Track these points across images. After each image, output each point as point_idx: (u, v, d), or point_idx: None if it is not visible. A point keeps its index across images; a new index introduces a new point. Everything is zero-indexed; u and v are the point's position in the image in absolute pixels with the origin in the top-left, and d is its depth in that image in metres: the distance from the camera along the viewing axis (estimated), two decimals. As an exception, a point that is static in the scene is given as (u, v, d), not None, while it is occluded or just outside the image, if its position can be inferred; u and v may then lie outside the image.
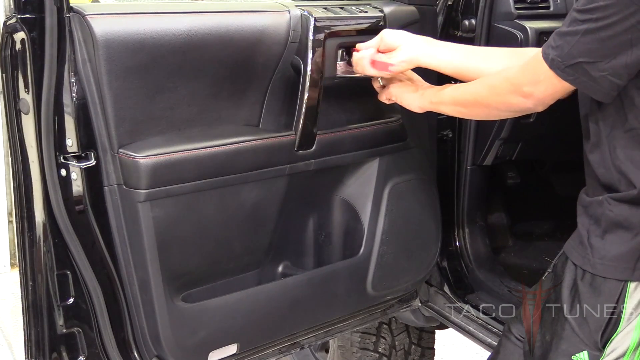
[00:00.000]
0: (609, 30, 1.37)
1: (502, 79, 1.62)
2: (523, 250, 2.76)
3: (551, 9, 2.45)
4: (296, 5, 1.95)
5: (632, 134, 1.45)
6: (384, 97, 1.96)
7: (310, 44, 1.90)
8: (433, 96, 1.84)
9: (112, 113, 1.68)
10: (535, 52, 1.53)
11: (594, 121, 1.52)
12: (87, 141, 1.68)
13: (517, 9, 2.37)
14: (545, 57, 1.47)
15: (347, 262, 2.16)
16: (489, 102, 1.66)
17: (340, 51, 1.97)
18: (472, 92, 1.70)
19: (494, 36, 2.35)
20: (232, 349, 1.94)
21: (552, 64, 1.45)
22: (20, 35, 1.58)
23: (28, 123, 1.62)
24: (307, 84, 1.91)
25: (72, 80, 1.64)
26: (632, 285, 1.46)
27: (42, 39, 1.58)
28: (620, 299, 1.47)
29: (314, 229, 2.20)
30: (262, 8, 1.94)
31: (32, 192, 1.67)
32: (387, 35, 1.85)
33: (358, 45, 1.92)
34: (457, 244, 2.50)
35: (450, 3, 2.32)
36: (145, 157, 1.70)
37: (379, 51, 1.87)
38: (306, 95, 1.91)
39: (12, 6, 1.57)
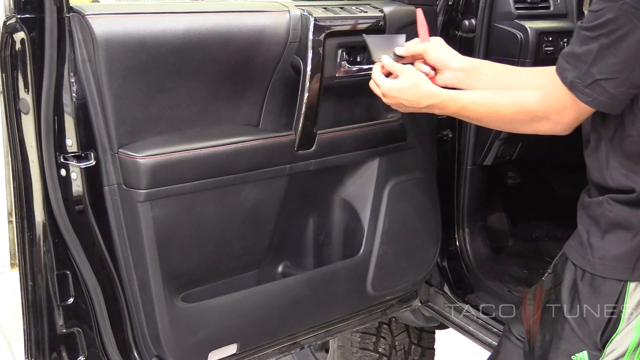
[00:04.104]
0: (622, 42, 1.36)
1: (535, 104, 1.54)
2: (523, 250, 2.76)
3: (551, 9, 2.45)
4: (296, 5, 1.95)
5: (628, 140, 1.45)
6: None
7: (310, 44, 1.90)
8: (451, 107, 1.74)
9: (112, 113, 1.68)
10: (552, 76, 1.48)
11: (593, 128, 1.51)
12: (87, 141, 1.68)
13: (517, 9, 2.37)
14: (564, 80, 1.44)
15: (347, 262, 2.16)
16: (515, 126, 1.62)
17: (340, 51, 1.97)
18: (500, 110, 1.62)
19: (494, 36, 2.35)
20: (232, 348, 1.94)
21: (572, 86, 1.43)
22: (20, 35, 1.58)
23: (28, 123, 1.63)
24: (307, 84, 1.91)
25: (72, 80, 1.64)
26: (631, 285, 1.46)
27: (42, 39, 1.58)
28: (620, 299, 1.47)
29: (314, 229, 2.20)
30: (262, 8, 1.94)
31: (32, 192, 1.67)
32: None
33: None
34: (457, 244, 2.49)
35: (450, 3, 2.32)
36: (145, 157, 1.70)
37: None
38: (306, 95, 1.91)
39: (12, 6, 1.57)
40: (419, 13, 1.92)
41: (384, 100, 1.84)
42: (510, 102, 1.59)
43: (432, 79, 1.84)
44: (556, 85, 1.46)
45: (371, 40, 1.91)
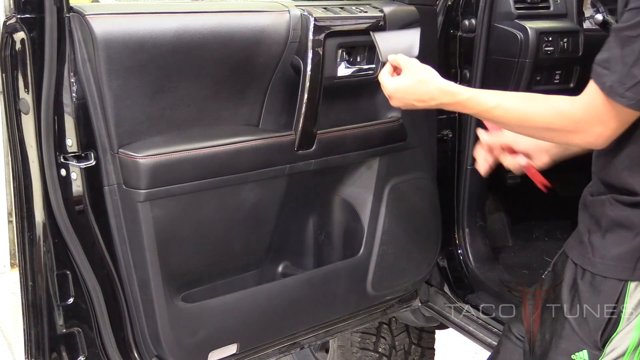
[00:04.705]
0: None
1: (578, 113, 1.44)
2: (523, 250, 2.76)
3: (551, 9, 2.46)
4: (296, 5, 1.95)
5: (639, 141, 1.43)
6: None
7: (310, 44, 1.90)
8: (472, 108, 1.61)
9: (112, 113, 1.68)
10: (589, 89, 1.41)
11: None
12: (87, 141, 1.68)
13: (517, 9, 2.37)
14: (602, 86, 1.37)
15: (347, 262, 2.16)
16: (546, 135, 1.53)
17: (340, 51, 1.97)
18: (534, 118, 1.50)
19: (494, 36, 2.35)
20: (232, 348, 1.94)
21: (611, 91, 1.36)
22: (20, 35, 1.58)
23: (28, 123, 1.62)
24: (307, 84, 1.91)
25: (72, 80, 1.64)
26: (632, 285, 1.46)
27: (42, 39, 1.58)
28: (620, 299, 1.46)
29: (314, 229, 2.20)
30: (262, 8, 1.94)
31: (32, 192, 1.67)
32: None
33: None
34: (457, 243, 2.49)
35: (450, 3, 2.32)
36: (145, 157, 1.70)
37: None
38: (306, 95, 1.91)
39: (12, 6, 1.57)
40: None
41: (392, 102, 1.73)
42: (547, 110, 1.48)
43: (531, 166, 1.76)
44: (596, 95, 1.39)
45: (380, 37, 1.80)
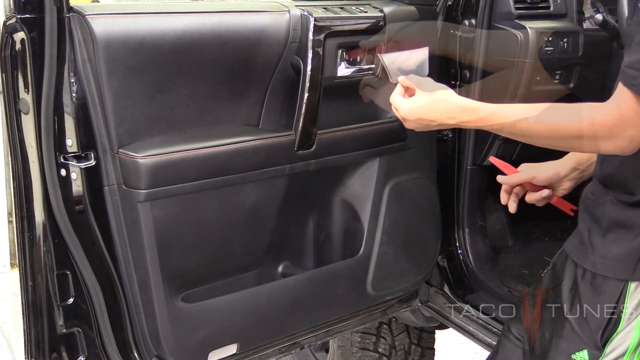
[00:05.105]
0: None
1: (612, 117, 1.38)
2: (523, 250, 2.75)
3: (551, 9, 2.45)
4: (296, 5, 1.95)
5: None
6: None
7: (310, 44, 1.90)
8: (493, 123, 1.57)
9: (111, 113, 1.68)
10: (619, 93, 1.36)
11: None
12: (87, 141, 1.68)
13: (517, 9, 2.36)
14: (636, 89, 1.31)
15: (347, 262, 2.16)
16: (576, 144, 1.47)
17: (340, 51, 1.97)
18: (564, 127, 1.45)
19: (494, 36, 2.35)
20: (232, 349, 1.94)
21: None
22: (20, 35, 1.58)
23: (28, 123, 1.63)
24: (307, 84, 1.91)
25: (72, 80, 1.64)
26: (632, 285, 1.46)
27: (42, 39, 1.59)
28: (620, 299, 1.46)
29: (314, 229, 2.20)
30: (262, 8, 1.94)
31: (32, 192, 1.67)
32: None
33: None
34: (457, 244, 2.49)
35: (450, 3, 2.32)
36: (145, 157, 1.70)
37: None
38: (306, 95, 1.91)
39: (12, 6, 1.57)
40: (495, 161, 1.82)
41: (406, 125, 1.66)
42: (577, 119, 1.42)
43: (554, 196, 1.74)
44: (628, 98, 1.34)
45: (389, 59, 1.76)
